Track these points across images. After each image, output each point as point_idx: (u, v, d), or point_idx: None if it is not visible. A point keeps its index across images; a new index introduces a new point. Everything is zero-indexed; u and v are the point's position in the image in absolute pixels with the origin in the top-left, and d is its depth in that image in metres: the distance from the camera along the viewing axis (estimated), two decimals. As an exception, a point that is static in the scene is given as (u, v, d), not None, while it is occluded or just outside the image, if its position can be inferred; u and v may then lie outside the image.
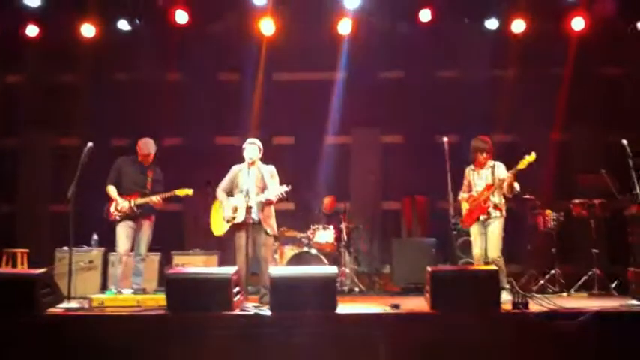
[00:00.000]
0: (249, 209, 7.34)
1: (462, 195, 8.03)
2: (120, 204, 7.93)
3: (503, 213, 7.73)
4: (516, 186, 7.62)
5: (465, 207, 8.00)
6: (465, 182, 8.04)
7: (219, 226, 7.83)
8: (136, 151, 8.21)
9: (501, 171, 7.73)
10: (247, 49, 10.74)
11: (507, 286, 7.41)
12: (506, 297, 6.63)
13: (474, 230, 7.89)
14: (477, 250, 7.86)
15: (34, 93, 11.12)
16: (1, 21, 10.53)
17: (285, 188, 7.42)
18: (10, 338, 5.84)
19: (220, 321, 6.01)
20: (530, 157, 7.44)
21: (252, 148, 7.76)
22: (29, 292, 6.04)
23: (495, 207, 7.71)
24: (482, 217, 7.79)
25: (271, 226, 7.74)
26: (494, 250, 7.63)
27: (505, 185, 7.60)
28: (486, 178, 7.82)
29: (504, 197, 7.73)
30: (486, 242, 7.73)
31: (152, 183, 8.15)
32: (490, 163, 7.83)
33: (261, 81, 10.96)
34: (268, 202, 7.61)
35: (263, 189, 7.62)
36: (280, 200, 7.63)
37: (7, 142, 11.24)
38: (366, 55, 10.91)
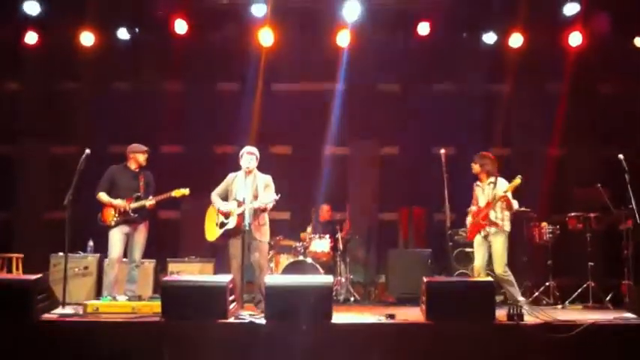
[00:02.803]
0: (241, 216, 7.38)
1: (470, 208, 8.11)
2: (114, 204, 7.93)
3: (504, 228, 7.77)
4: (514, 204, 7.73)
5: (469, 220, 8.09)
6: (473, 196, 8.10)
7: (212, 232, 7.85)
8: (127, 157, 8.26)
9: (500, 187, 7.77)
10: (246, 59, 10.76)
11: (521, 298, 7.54)
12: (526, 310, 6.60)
13: (476, 242, 7.98)
14: (477, 262, 7.96)
15: (32, 100, 11.10)
16: (0, 28, 10.58)
17: (274, 196, 7.46)
18: (4, 344, 5.83)
19: (215, 329, 6.02)
20: (516, 182, 7.61)
21: (249, 157, 7.78)
22: (24, 297, 6.03)
23: (492, 223, 7.76)
24: (482, 232, 7.85)
25: (262, 233, 7.72)
26: (499, 266, 7.71)
27: (503, 205, 7.69)
28: (487, 194, 7.87)
29: (508, 211, 7.78)
30: (491, 258, 7.82)
31: (145, 187, 8.17)
32: (491, 178, 7.88)
33: (260, 91, 10.95)
34: (261, 209, 7.62)
35: (256, 197, 7.64)
36: (270, 209, 7.67)
37: (4, 149, 11.20)
38: (365, 67, 10.94)
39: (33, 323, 6.01)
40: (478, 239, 7.92)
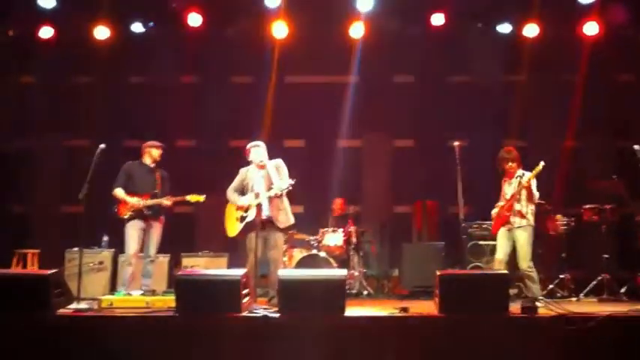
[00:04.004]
0: (259, 207, 7.42)
1: (497, 204, 8.09)
2: (130, 202, 7.98)
3: (530, 221, 7.75)
4: (536, 195, 7.73)
5: (494, 213, 8.08)
6: (502, 192, 8.08)
7: (232, 227, 7.88)
8: (142, 153, 8.32)
9: (526, 179, 7.72)
10: (260, 52, 10.74)
11: (540, 295, 7.55)
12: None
13: (499, 235, 7.95)
14: (498, 254, 7.92)
15: (47, 94, 11.11)
16: (15, 22, 10.64)
17: (290, 181, 7.48)
18: (20, 338, 5.89)
19: (229, 323, 6.05)
20: (538, 168, 7.57)
21: (259, 150, 7.85)
22: (40, 291, 6.11)
23: (518, 213, 7.72)
24: (507, 225, 7.83)
25: (282, 220, 7.76)
26: (524, 261, 7.69)
27: (526, 193, 7.65)
28: (514, 187, 7.84)
29: (531, 203, 7.75)
30: (516, 253, 7.79)
31: (161, 184, 8.22)
32: (519, 172, 7.86)
33: (274, 84, 10.93)
34: (277, 196, 7.64)
35: (271, 186, 7.66)
36: (287, 194, 7.69)
37: (20, 143, 11.24)
38: (378, 59, 10.90)
39: (48, 318, 6.07)
40: (502, 231, 7.90)
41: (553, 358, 5.89)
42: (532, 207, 7.79)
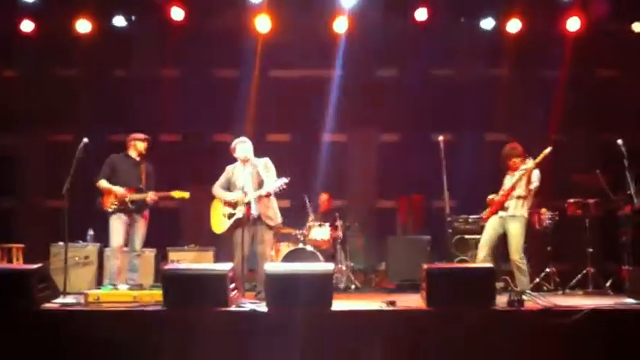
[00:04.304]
0: (248, 205, 7.40)
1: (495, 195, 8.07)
2: (115, 191, 7.89)
3: (524, 212, 7.76)
4: (534, 182, 7.72)
5: (489, 198, 8.04)
6: (503, 184, 8.06)
7: (220, 224, 7.86)
8: (127, 146, 8.25)
9: (531, 163, 7.73)
10: (243, 46, 10.71)
11: (528, 289, 7.54)
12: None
13: (489, 222, 7.92)
14: (482, 240, 7.93)
15: (30, 89, 10.99)
16: (-4, 16, 10.54)
17: (284, 180, 7.47)
18: (5, 333, 5.83)
19: (216, 317, 6.02)
20: (545, 152, 7.59)
21: (244, 146, 7.82)
22: (25, 287, 6.03)
23: (517, 198, 7.74)
24: (501, 212, 7.84)
25: (271, 217, 7.78)
26: (516, 252, 7.70)
27: (525, 178, 7.68)
28: (517, 177, 7.84)
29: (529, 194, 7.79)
30: (508, 244, 7.80)
31: (146, 178, 8.16)
32: (523, 165, 7.85)
33: (257, 78, 10.91)
34: (267, 195, 7.62)
35: (260, 183, 7.65)
36: (279, 192, 7.66)
37: (2, 138, 11.12)
38: (362, 53, 10.90)
39: (33, 312, 6.01)
40: (493, 219, 7.88)
41: (539, 350, 5.90)
42: (529, 198, 7.80)
